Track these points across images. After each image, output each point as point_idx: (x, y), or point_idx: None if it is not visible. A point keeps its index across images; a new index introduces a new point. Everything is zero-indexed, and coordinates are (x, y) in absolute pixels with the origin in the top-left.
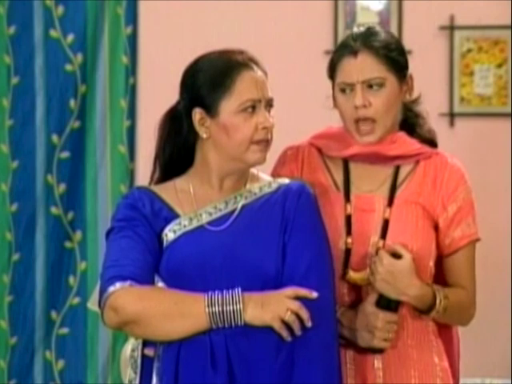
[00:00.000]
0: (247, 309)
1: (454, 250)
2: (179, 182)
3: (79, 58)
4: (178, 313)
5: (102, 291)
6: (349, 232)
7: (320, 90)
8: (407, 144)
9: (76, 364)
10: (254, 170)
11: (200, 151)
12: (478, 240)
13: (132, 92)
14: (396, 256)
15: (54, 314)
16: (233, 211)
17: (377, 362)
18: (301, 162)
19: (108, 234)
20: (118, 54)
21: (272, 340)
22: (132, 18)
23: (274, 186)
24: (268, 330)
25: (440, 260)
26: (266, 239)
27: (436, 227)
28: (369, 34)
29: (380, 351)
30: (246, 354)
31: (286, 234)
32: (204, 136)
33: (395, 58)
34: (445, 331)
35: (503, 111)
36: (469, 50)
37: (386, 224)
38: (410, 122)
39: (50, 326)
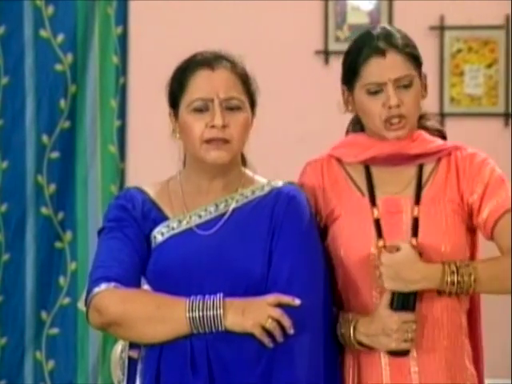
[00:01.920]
0: (228, 315)
1: (493, 224)
2: (172, 182)
3: (69, 57)
4: (160, 317)
5: (88, 292)
6: (379, 235)
7: (310, 89)
8: (427, 142)
9: (66, 364)
10: (250, 173)
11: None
12: None
13: (122, 92)
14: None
15: (44, 315)
16: (223, 214)
17: (413, 366)
18: (321, 175)
19: (99, 234)
20: (109, 54)
21: (253, 346)
22: (122, 17)
23: (267, 189)
24: (249, 336)
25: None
26: (253, 244)
27: (469, 220)
28: (388, 33)
29: (404, 353)
30: (227, 360)
31: (274, 238)
32: (177, 136)
33: (417, 55)
34: (473, 336)
35: (493, 111)
36: (459, 50)
37: (416, 222)
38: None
39: (40, 326)
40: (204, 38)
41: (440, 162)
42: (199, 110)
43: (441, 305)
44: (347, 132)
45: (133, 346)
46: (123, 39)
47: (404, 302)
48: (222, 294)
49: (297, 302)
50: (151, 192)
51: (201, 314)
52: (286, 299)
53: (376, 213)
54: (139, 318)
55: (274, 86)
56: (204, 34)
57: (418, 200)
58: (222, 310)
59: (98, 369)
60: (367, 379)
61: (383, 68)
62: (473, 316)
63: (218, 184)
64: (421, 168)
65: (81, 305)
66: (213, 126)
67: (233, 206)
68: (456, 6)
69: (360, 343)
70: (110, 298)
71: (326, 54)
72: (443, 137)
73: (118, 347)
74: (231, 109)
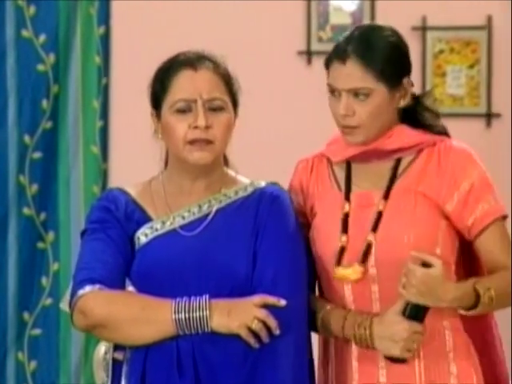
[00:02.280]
0: (214, 316)
1: (479, 230)
2: (155, 183)
3: (51, 58)
4: (145, 318)
5: (73, 294)
6: (344, 230)
7: (293, 90)
8: (405, 136)
9: (48, 365)
10: (232, 173)
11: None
12: (505, 217)
13: (104, 92)
14: (425, 265)
15: (26, 315)
16: (206, 215)
17: (381, 376)
18: (309, 173)
19: (82, 235)
20: (91, 55)
21: (239, 347)
22: (104, 18)
23: (250, 189)
24: (235, 337)
25: (467, 248)
26: (238, 244)
27: (444, 214)
28: (364, 38)
29: (402, 361)
30: (213, 361)
31: (258, 239)
32: (159, 137)
33: (388, 68)
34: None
35: (475, 112)
36: (441, 51)
37: (379, 217)
38: (418, 116)
39: (22, 326)
40: (186, 38)
41: (420, 154)
42: (182, 111)
43: (446, 318)
44: None
45: (118, 347)
46: (105, 39)
47: (417, 312)
48: (207, 296)
49: (282, 302)
50: (133, 193)
51: (187, 315)
52: (272, 300)
53: (347, 207)
54: (124, 319)
55: (256, 86)
56: (186, 34)
57: (387, 194)
58: (207, 312)
59: (80, 369)
60: (339, 379)
61: (340, 75)
62: (484, 321)
63: (201, 184)
64: (398, 162)
65: (63, 305)
66: (196, 127)
67: (216, 206)
68: (438, 7)
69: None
70: (95, 300)
71: (309, 54)
72: (445, 133)
73: (101, 348)
74: (214, 109)
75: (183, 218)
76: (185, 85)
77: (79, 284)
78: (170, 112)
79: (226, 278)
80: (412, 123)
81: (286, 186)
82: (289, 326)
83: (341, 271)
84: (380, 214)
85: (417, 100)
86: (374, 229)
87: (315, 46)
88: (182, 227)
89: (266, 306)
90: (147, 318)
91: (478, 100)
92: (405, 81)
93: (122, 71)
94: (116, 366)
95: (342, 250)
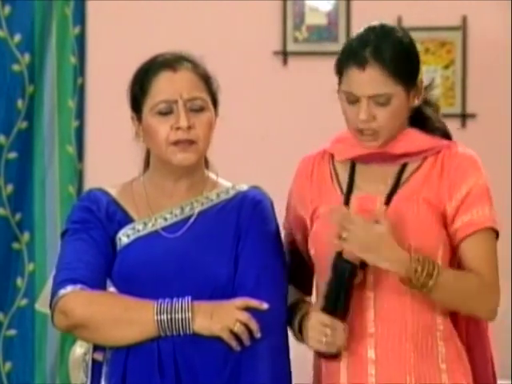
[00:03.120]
0: (196, 318)
1: (461, 238)
2: (136, 184)
3: (27, 58)
4: (127, 319)
5: (54, 294)
6: None
7: (269, 90)
8: (414, 140)
9: (24, 366)
10: (213, 176)
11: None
12: (492, 229)
13: (80, 92)
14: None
15: (1, 316)
16: (188, 217)
17: (370, 369)
18: (311, 172)
19: (63, 235)
20: (66, 55)
21: (220, 349)
22: (80, 18)
23: (232, 192)
24: (216, 339)
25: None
26: (220, 247)
27: (445, 220)
28: (380, 40)
29: (330, 357)
30: (194, 363)
31: (240, 242)
32: (141, 140)
33: (405, 70)
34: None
35: (451, 112)
36: None
37: None
38: (423, 113)
39: None
40: (162, 38)
41: (426, 161)
42: (163, 113)
43: (404, 307)
44: None
45: (97, 348)
46: (81, 39)
47: (334, 310)
48: (190, 297)
49: (265, 306)
50: (114, 193)
51: (169, 316)
52: (254, 303)
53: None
54: (106, 320)
55: (232, 86)
56: (162, 34)
57: (389, 200)
58: (190, 313)
59: (55, 370)
60: (326, 379)
61: (360, 81)
62: (476, 323)
63: (183, 186)
64: (404, 167)
65: (38, 306)
66: (178, 128)
67: (198, 208)
68: (413, 7)
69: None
70: (76, 301)
71: (285, 54)
72: (447, 135)
73: (76, 349)
74: (195, 110)
75: (165, 219)
76: (165, 86)
77: (60, 284)
78: (152, 114)
79: (207, 280)
80: (415, 120)
81: (264, 186)
82: (270, 329)
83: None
84: None
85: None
86: None
87: (291, 47)
88: (164, 229)
89: (247, 309)
90: (129, 318)
91: (453, 100)
92: (419, 79)
93: (97, 71)
94: (95, 366)
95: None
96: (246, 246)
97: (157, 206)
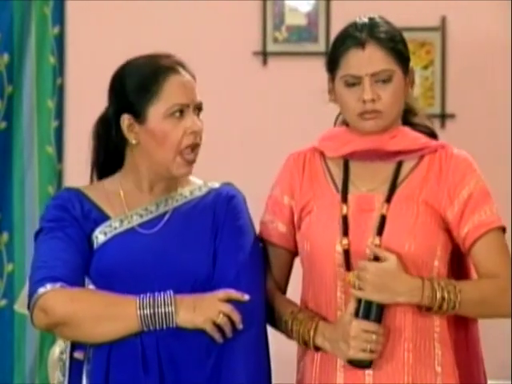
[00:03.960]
0: (179, 312)
1: (473, 240)
2: (108, 184)
3: (5, 58)
4: (109, 315)
5: (32, 292)
6: (345, 233)
7: (249, 90)
8: (409, 138)
9: (3, 366)
10: None
11: (130, 156)
12: (501, 228)
13: (60, 92)
14: (379, 260)
15: None
16: (163, 214)
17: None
18: (302, 167)
19: (37, 234)
20: (46, 55)
21: (203, 342)
22: (59, 18)
23: (205, 189)
24: (199, 331)
25: (462, 261)
26: (197, 243)
27: (444, 224)
28: (373, 24)
29: (365, 366)
30: (177, 356)
31: (217, 238)
32: (133, 142)
33: (401, 50)
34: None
35: (430, 112)
36: None
37: (383, 221)
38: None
39: None
40: (141, 38)
41: (422, 160)
42: (174, 115)
43: (403, 309)
44: (335, 124)
45: (77, 347)
46: (60, 39)
47: (369, 311)
48: (171, 291)
49: (246, 297)
50: (88, 192)
51: (152, 311)
52: (236, 295)
53: (345, 209)
54: (88, 317)
55: (212, 86)
56: (141, 35)
57: (389, 198)
58: (173, 307)
59: (35, 371)
60: (322, 378)
61: (361, 60)
62: (467, 322)
63: (160, 186)
64: (400, 165)
65: (17, 307)
66: (192, 132)
67: (173, 205)
68: (392, 8)
69: (316, 347)
70: (57, 298)
71: (264, 54)
72: (432, 133)
73: (56, 349)
74: (198, 114)
75: (141, 216)
76: (178, 89)
77: (39, 282)
78: (163, 117)
79: (186, 276)
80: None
81: (244, 186)
82: (251, 321)
83: (351, 277)
84: (384, 218)
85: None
86: (380, 233)
87: (271, 47)
88: (140, 225)
89: (229, 301)
90: (111, 314)
91: (433, 100)
92: (411, 66)
93: (76, 71)
94: (75, 365)
95: (347, 253)
96: (224, 241)
97: (132, 204)
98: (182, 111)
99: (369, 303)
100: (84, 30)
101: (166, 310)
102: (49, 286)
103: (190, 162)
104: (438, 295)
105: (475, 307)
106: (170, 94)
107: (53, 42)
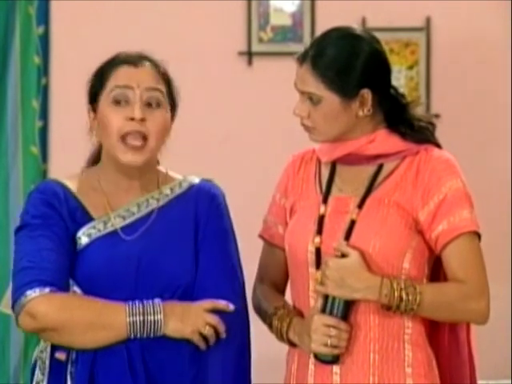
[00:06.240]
0: (169, 322)
1: (443, 244)
2: (89, 177)
3: None
4: (100, 324)
5: (19, 294)
6: (319, 232)
7: (234, 90)
8: (388, 142)
9: None
10: (163, 169)
11: (103, 149)
12: (474, 233)
13: (44, 92)
14: (345, 256)
15: None
16: (146, 215)
17: (335, 367)
18: (298, 169)
19: (20, 229)
20: (30, 54)
21: (187, 349)
22: (44, 17)
23: (185, 185)
24: (183, 339)
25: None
26: (179, 246)
27: (418, 226)
28: (322, 45)
29: (330, 361)
30: (163, 362)
31: (199, 238)
32: (94, 135)
33: (338, 80)
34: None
35: None
36: None
37: (352, 225)
38: (404, 123)
39: None
40: (126, 37)
41: (402, 162)
42: (118, 102)
43: (369, 308)
44: None
45: (58, 347)
46: (45, 39)
47: (334, 307)
48: (159, 299)
49: (231, 307)
50: (72, 187)
51: (141, 318)
52: (221, 305)
53: (323, 210)
54: (79, 324)
55: (197, 86)
56: (126, 34)
57: (362, 202)
58: (161, 316)
59: (19, 371)
60: (298, 375)
61: (299, 75)
62: (454, 327)
63: (136, 183)
64: (380, 168)
65: (2, 307)
66: (131, 119)
67: (155, 205)
68: (377, 8)
69: (290, 341)
70: (48, 305)
71: (250, 55)
72: (430, 123)
73: None
74: (151, 106)
75: (123, 218)
76: (123, 75)
77: (28, 285)
78: (107, 104)
79: (168, 283)
80: (399, 128)
81: (229, 186)
82: (234, 328)
83: (318, 274)
84: (353, 223)
85: (404, 107)
86: (347, 237)
87: (256, 47)
88: (123, 229)
89: (213, 311)
90: (103, 323)
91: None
92: (363, 92)
93: (61, 71)
94: (57, 365)
95: (318, 252)
96: (206, 244)
97: (113, 203)
98: (127, 101)
99: (333, 299)
100: (69, 30)
101: (155, 318)
102: (38, 291)
103: (136, 149)
104: (396, 294)
105: (438, 310)
106: (114, 79)
107: (37, 41)
